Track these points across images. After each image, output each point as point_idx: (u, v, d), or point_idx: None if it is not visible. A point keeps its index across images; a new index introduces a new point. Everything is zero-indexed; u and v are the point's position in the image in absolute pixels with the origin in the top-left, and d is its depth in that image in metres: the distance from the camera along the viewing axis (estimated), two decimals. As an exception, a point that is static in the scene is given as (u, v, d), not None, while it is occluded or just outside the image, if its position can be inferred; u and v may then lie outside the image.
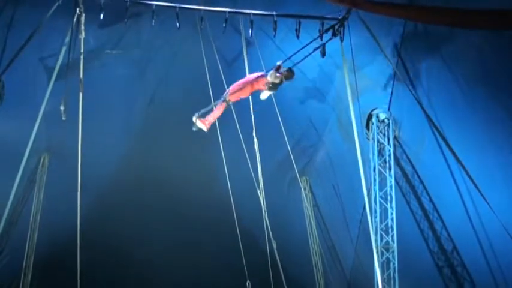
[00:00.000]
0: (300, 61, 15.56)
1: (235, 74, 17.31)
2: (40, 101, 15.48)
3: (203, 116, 14.40)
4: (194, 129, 14.44)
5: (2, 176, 16.93)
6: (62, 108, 14.02)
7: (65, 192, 16.96)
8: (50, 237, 20.45)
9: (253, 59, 16.75)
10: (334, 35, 15.36)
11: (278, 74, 14.33)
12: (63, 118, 14.12)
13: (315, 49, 15.54)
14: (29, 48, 14.88)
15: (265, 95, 14.85)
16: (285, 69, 14.54)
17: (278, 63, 14.36)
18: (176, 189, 21.06)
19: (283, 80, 14.49)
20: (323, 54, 15.62)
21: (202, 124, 14.34)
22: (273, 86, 14.48)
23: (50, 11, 14.37)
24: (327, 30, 15.37)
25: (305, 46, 15.40)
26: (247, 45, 16.84)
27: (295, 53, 15.38)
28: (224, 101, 14.35)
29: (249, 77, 14.70)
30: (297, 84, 18.53)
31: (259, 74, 14.55)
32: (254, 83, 14.47)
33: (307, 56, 15.55)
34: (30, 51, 15.17)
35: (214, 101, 14.63)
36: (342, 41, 15.57)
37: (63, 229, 17.98)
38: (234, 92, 14.36)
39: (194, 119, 14.30)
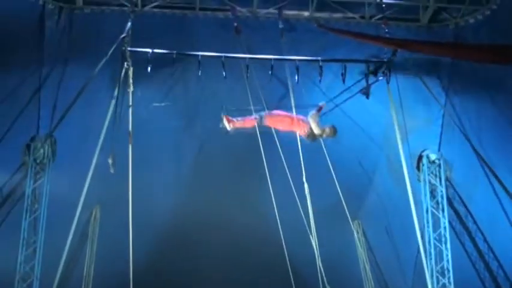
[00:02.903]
0: (342, 102, 15.37)
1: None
2: (90, 155, 15.68)
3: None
4: (221, 125, 14.21)
5: (56, 230, 17.09)
6: (110, 161, 14.28)
7: (117, 244, 17.12)
8: (104, 290, 20.52)
9: (300, 106, 16.80)
10: (374, 74, 15.32)
11: (318, 117, 13.89)
12: (112, 171, 14.35)
13: (360, 90, 15.51)
14: (80, 103, 15.12)
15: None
16: (329, 125, 14.02)
17: (321, 104, 14.02)
18: (228, 237, 20.99)
19: (324, 135, 14.02)
20: (367, 95, 15.61)
21: (227, 123, 14.11)
22: (311, 135, 14.03)
23: (98, 66, 14.62)
24: (372, 73, 15.35)
25: (348, 88, 15.32)
26: (293, 92, 16.82)
27: (339, 94, 15.30)
28: (259, 118, 14.13)
29: (294, 115, 14.51)
30: (344, 126, 18.54)
31: (304, 118, 14.21)
32: (295, 122, 14.14)
33: (350, 98, 15.42)
34: (80, 106, 15.40)
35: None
36: (388, 82, 15.60)
37: (117, 281, 18.09)
38: (272, 118, 14.19)
39: (222, 116, 14.13)
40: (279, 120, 14.18)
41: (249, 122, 14.17)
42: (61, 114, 15.61)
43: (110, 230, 19.38)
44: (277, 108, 15.96)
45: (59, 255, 16.48)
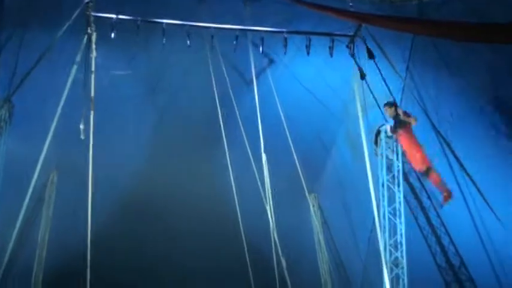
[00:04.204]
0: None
1: (245, 91, 17.47)
2: (49, 120, 15.53)
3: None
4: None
5: (12, 194, 16.88)
6: (81, 127, 14.19)
7: (74, 210, 17.05)
8: (59, 256, 20.30)
9: (263, 77, 16.87)
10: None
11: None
12: (82, 137, 14.26)
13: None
14: (39, 68, 14.96)
15: None
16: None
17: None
18: (185, 206, 20.98)
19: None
20: (362, 76, 15.80)
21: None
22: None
23: (60, 31, 14.45)
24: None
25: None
26: (256, 63, 16.84)
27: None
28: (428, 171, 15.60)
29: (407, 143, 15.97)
30: (304, 100, 18.64)
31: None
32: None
33: None
34: (40, 71, 15.23)
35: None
36: (352, 56, 15.70)
37: (73, 247, 17.98)
38: (419, 161, 15.40)
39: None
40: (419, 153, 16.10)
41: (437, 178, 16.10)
42: (21, 78, 15.48)
43: (67, 195, 19.26)
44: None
45: (15, 219, 16.34)
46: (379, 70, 15.97)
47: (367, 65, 16.65)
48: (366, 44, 15.61)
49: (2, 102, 17.16)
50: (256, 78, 16.63)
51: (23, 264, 19.87)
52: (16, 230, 16.37)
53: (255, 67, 16.69)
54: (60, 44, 15.22)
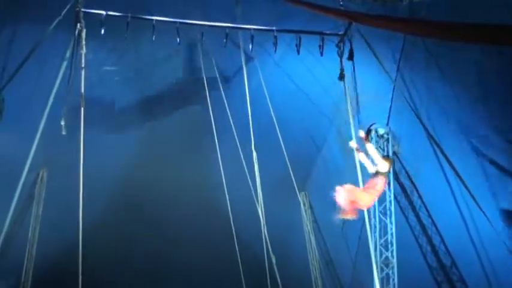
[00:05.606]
0: None
1: (235, 89, 17.42)
2: (39, 116, 15.45)
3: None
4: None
5: (1, 191, 16.83)
6: (62, 123, 14.10)
7: (64, 206, 16.98)
8: (49, 252, 20.28)
9: (253, 76, 16.84)
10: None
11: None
12: (64, 132, 14.18)
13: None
14: (30, 63, 14.87)
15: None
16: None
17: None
18: (176, 204, 21.00)
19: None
20: (341, 76, 15.75)
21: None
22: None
23: (51, 26, 14.39)
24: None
25: None
26: (247, 61, 16.81)
27: None
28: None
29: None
30: (295, 98, 18.61)
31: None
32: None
33: None
34: (31, 66, 15.14)
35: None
36: (342, 56, 15.67)
37: (63, 244, 18.00)
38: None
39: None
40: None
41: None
42: (11, 73, 15.39)
43: (57, 192, 19.23)
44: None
45: (4, 216, 16.29)
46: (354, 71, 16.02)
47: (360, 64, 16.63)
48: (350, 45, 15.60)
49: (-8, 97, 17.12)
50: (247, 76, 16.56)
51: (13, 261, 19.85)
52: (6, 226, 16.31)
53: (246, 65, 16.63)
54: (50, 40, 15.14)
